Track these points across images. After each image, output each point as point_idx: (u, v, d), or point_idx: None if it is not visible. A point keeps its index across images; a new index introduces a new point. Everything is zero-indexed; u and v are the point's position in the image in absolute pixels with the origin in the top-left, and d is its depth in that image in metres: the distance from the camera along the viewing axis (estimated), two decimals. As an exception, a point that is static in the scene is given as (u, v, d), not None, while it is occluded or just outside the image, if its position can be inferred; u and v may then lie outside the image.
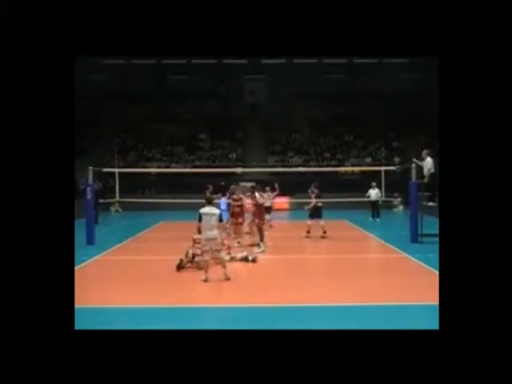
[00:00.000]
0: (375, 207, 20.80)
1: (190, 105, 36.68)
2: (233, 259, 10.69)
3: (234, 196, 13.80)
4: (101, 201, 19.98)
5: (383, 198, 20.10)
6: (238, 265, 10.44)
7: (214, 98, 36.70)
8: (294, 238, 15.29)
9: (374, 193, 20.50)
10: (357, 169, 29.67)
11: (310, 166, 30.76)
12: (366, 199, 20.72)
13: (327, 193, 16.56)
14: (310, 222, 15.13)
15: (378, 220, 20.42)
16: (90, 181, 13.90)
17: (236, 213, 13.52)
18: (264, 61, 34.92)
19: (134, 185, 27.22)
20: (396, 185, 22.03)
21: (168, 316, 6.90)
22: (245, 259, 10.79)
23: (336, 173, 29.52)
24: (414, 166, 14.04)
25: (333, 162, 32.17)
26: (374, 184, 20.53)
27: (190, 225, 15.22)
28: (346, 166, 31.44)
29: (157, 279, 9.35)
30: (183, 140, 35.29)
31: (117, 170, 18.40)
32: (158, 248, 13.32)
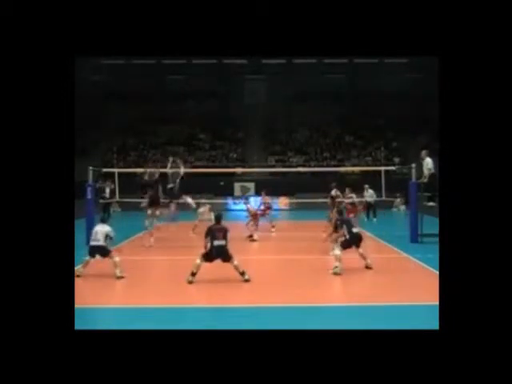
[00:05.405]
0: (371, 208, 20.80)
1: (190, 105, 36.70)
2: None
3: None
4: (101, 201, 19.95)
5: (383, 198, 20.09)
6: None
7: (214, 97, 36.73)
8: (297, 238, 15.29)
9: (367, 195, 20.53)
10: (357, 169, 29.65)
11: (310, 166, 30.76)
12: (363, 199, 20.67)
13: (326, 193, 16.57)
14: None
15: (374, 220, 20.42)
16: (90, 181, 13.89)
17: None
18: (264, 61, 34.94)
19: (133, 185, 27.15)
20: (396, 185, 22.01)
21: (168, 316, 6.89)
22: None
23: (336, 173, 29.54)
24: (413, 165, 14.04)
25: (333, 162, 32.16)
26: (366, 186, 20.58)
27: (190, 225, 15.32)
28: (346, 166, 31.43)
29: (156, 279, 9.35)
30: (183, 140, 35.29)
31: (116, 170, 18.36)
32: (157, 248, 13.31)
